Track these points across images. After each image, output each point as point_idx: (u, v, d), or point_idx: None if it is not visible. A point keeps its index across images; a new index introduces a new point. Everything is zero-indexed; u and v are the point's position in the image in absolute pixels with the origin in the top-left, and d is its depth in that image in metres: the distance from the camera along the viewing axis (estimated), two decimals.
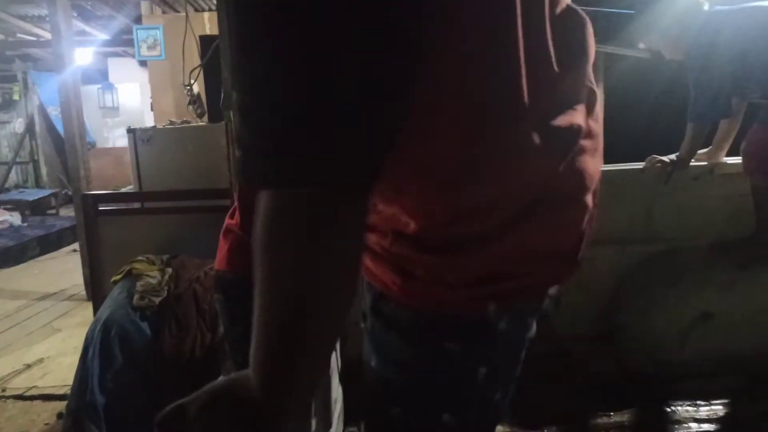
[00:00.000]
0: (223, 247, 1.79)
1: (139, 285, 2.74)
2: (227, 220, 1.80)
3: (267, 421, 0.62)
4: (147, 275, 2.80)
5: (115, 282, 2.88)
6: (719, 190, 2.36)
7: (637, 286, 2.29)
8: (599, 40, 4.22)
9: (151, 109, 6.84)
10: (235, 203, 1.82)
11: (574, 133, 0.74)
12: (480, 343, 0.81)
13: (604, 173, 2.53)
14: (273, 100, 0.54)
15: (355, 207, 0.58)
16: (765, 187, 2.17)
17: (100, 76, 10.08)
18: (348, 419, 1.86)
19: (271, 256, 0.62)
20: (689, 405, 2.08)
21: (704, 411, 2.03)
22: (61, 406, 2.86)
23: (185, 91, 3.84)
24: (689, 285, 2.20)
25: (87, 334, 2.66)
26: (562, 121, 0.72)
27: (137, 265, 2.88)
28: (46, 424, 2.91)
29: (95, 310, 3.26)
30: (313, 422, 1.22)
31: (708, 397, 2.07)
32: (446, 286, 0.76)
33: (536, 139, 0.68)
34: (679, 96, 2.45)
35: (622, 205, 2.36)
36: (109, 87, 9.96)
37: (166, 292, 2.74)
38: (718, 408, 2.05)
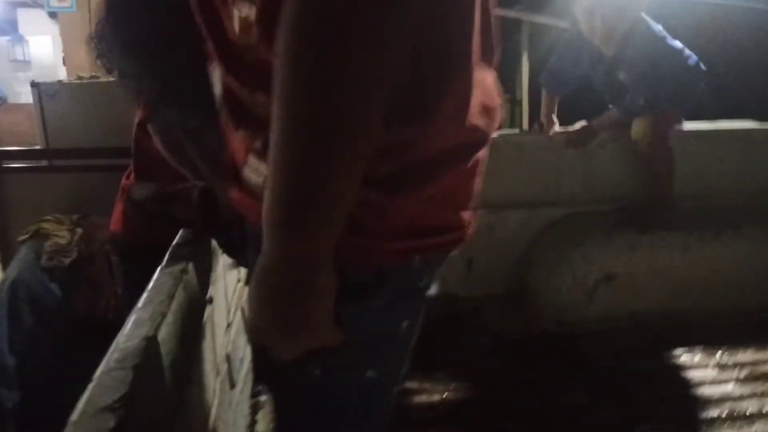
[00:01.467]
0: (118, 208, 1.76)
1: (47, 245, 2.70)
2: (123, 181, 1.77)
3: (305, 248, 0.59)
4: (55, 235, 2.75)
5: (22, 242, 2.82)
6: (624, 157, 2.48)
7: (545, 247, 2.40)
8: (524, 9, 4.32)
9: (64, 64, 6.54)
10: (130, 165, 1.77)
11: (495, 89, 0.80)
12: (404, 298, 0.82)
13: (513, 138, 2.66)
14: None
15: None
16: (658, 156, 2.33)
17: (9, 27, 9.48)
18: (255, 377, 1.90)
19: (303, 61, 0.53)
20: (593, 362, 2.19)
21: (607, 368, 2.15)
22: None
23: (92, 44, 3.71)
24: (594, 247, 2.32)
25: None
26: (491, 77, 0.78)
27: (45, 225, 2.82)
28: None
29: (3, 271, 3.19)
30: (217, 382, 1.28)
31: (611, 355, 2.20)
32: (376, 236, 0.73)
33: (475, 84, 0.71)
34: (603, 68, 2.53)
35: (532, 170, 2.45)
36: (20, 39, 9.40)
37: (76, 252, 2.71)
38: (619, 364, 2.17)
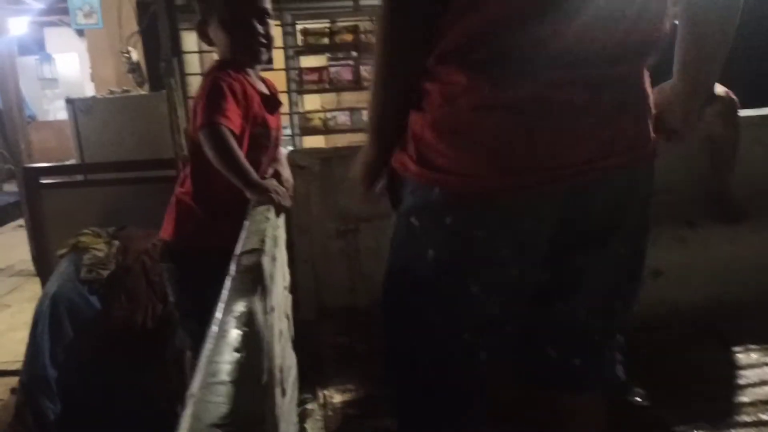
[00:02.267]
0: (171, 216, 1.76)
1: (86, 258, 2.72)
2: (177, 189, 1.76)
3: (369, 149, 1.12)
4: (93, 248, 2.78)
5: (62, 256, 2.85)
6: (668, 148, 2.42)
7: None
8: None
9: (92, 80, 6.64)
10: (184, 172, 1.78)
11: None
12: (428, 224, 1.00)
13: None
14: None
15: (413, 21, 0.93)
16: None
17: (37, 46, 9.68)
18: (303, 386, 1.89)
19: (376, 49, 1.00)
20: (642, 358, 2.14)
21: (657, 364, 2.10)
22: (13, 381, 2.85)
23: (123, 59, 3.76)
24: None
25: (36, 309, 2.65)
26: None
27: (83, 239, 2.85)
28: (0, 399, 2.89)
29: (42, 283, 3.22)
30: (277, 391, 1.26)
31: (661, 350, 2.14)
32: (410, 158, 1.00)
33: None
34: None
35: None
36: (47, 58, 9.60)
37: (114, 264, 2.73)
38: (669, 360, 2.11)
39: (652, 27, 0.97)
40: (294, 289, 2.10)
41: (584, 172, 0.94)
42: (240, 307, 0.91)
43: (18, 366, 2.81)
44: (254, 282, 1.01)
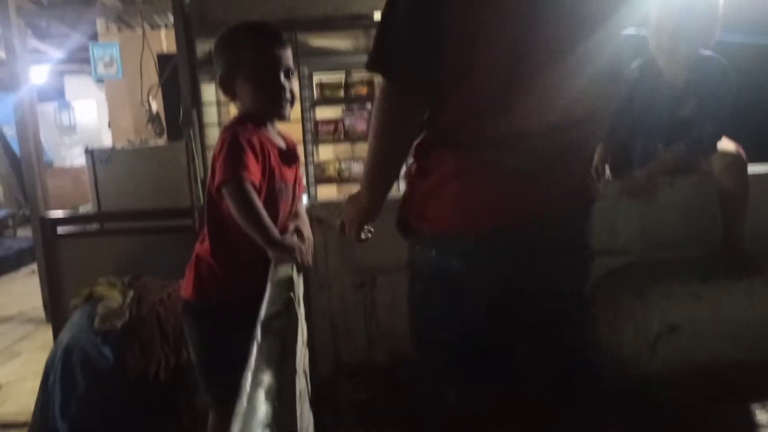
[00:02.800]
0: (191, 273, 1.73)
1: (100, 308, 2.71)
2: (197, 246, 1.75)
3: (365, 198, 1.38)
4: (108, 298, 2.76)
5: (76, 306, 2.84)
6: (681, 202, 2.40)
7: (603, 297, 2.31)
8: None
9: (109, 128, 6.76)
10: (204, 229, 1.75)
11: None
12: (417, 265, 1.41)
13: None
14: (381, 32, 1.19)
15: (409, 99, 1.19)
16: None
17: (56, 94, 9.90)
18: None
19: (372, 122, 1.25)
20: (660, 415, 2.09)
21: (674, 422, 2.05)
22: None
23: (143, 110, 3.83)
24: (655, 297, 2.23)
25: (48, 360, 2.62)
26: None
27: (98, 288, 2.84)
28: None
29: (55, 333, 3.20)
30: None
31: (678, 409, 2.09)
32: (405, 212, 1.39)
33: None
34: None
35: None
36: (66, 105, 9.80)
37: (128, 315, 2.71)
38: (687, 419, 2.06)
39: (595, 105, 1.25)
40: (311, 343, 2.07)
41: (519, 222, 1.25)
42: (268, 377, 0.89)
43: (27, 418, 2.77)
44: (281, 348, 1.00)
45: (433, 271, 1.32)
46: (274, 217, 1.65)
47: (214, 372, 1.70)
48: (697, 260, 2.34)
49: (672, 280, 2.27)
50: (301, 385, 1.62)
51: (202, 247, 1.71)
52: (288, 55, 1.66)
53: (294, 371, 1.08)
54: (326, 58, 3.97)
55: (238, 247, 1.63)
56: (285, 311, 1.16)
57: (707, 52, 2.31)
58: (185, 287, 1.75)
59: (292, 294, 1.26)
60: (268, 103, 1.66)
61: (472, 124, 1.21)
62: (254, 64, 1.63)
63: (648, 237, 2.39)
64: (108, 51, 6.00)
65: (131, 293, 2.83)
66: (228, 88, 1.68)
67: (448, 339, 1.33)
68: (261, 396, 0.81)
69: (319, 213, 2.25)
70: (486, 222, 1.24)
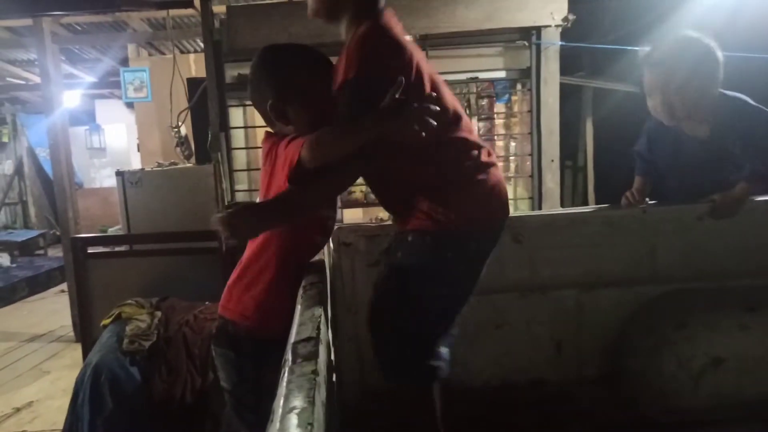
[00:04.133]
0: (253, 302, 1.65)
1: (128, 329, 2.73)
2: (249, 271, 1.68)
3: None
4: (136, 319, 2.78)
5: (105, 326, 2.86)
6: (722, 230, 2.33)
7: (644, 328, 2.23)
8: (586, 76, 4.34)
9: (138, 150, 6.88)
10: (251, 252, 1.69)
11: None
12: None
13: (603, 214, 2.52)
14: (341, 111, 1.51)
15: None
16: None
17: (87, 117, 10.12)
18: None
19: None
20: None
21: None
22: None
23: (173, 133, 3.89)
24: (698, 328, 2.15)
25: (77, 379, 2.64)
26: None
27: (126, 309, 2.87)
28: None
29: (84, 351, 3.24)
30: None
31: None
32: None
33: None
34: None
35: (623, 246, 2.32)
36: (96, 128, 10.01)
37: (155, 336, 2.72)
38: None
39: None
40: (337, 369, 2.06)
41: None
42: (299, 401, 0.88)
43: None
44: (312, 373, 0.99)
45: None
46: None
47: (248, 400, 1.66)
48: (743, 289, 2.26)
49: (716, 310, 2.19)
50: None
51: (264, 275, 1.64)
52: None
53: (325, 396, 1.06)
54: None
55: (301, 271, 1.63)
56: (316, 335, 1.15)
57: (721, 94, 2.25)
58: (231, 310, 1.69)
59: (321, 316, 1.26)
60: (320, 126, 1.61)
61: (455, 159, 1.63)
62: (311, 89, 1.60)
63: (690, 265, 2.33)
64: (138, 75, 6.14)
65: (158, 314, 2.85)
66: (281, 114, 1.62)
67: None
68: (293, 421, 0.81)
69: (346, 237, 2.24)
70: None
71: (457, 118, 1.62)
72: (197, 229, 3.30)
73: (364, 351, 2.23)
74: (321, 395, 0.97)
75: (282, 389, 0.94)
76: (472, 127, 1.72)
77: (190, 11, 4.86)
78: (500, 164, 4.56)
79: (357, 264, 2.24)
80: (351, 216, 4.43)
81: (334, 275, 2.18)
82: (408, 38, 1.61)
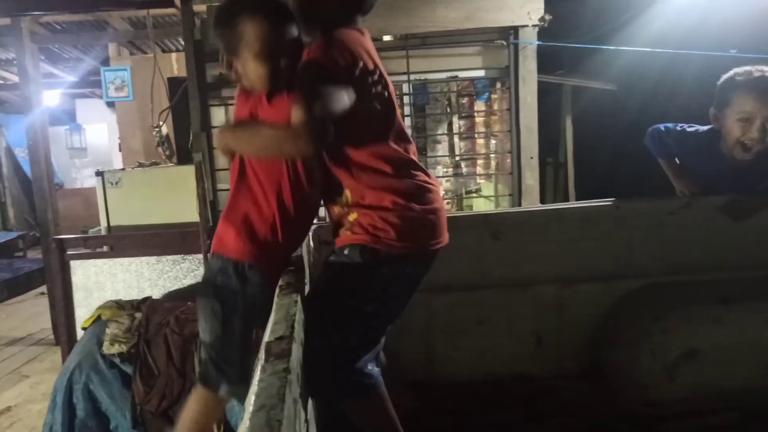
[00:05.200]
0: (243, 233, 1.62)
1: (108, 331, 2.70)
2: (245, 204, 1.65)
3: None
4: (116, 321, 2.76)
5: (84, 328, 2.84)
6: (697, 225, 2.37)
7: (621, 321, 2.27)
8: (565, 74, 4.38)
9: (120, 150, 6.82)
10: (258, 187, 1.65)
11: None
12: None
13: (579, 210, 2.54)
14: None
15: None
16: None
17: (67, 117, 10.02)
18: None
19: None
20: None
21: None
22: None
23: (154, 133, 3.86)
24: (673, 321, 2.18)
25: (56, 383, 2.62)
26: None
27: (107, 311, 2.84)
28: None
29: (64, 354, 3.21)
30: None
31: None
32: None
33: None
34: (644, 128, 2.51)
35: (600, 242, 2.35)
36: (77, 128, 9.92)
37: (136, 337, 2.71)
38: None
39: None
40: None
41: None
42: (269, 399, 0.89)
43: None
44: (284, 371, 0.99)
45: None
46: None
47: (236, 348, 1.63)
48: (717, 282, 2.30)
49: (691, 303, 2.22)
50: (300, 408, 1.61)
51: (260, 208, 1.62)
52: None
53: (298, 393, 1.07)
54: None
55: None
56: (290, 334, 1.15)
57: None
58: (226, 244, 1.64)
59: (296, 315, 1.26)
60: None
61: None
62: (259, 40, 1.53)
63: (665, 259, 2.36)
64: (119, 74, 6.07)
65: (139, 316, 2.83)
66: (230, 67, 1.58)
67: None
68: (262, 418, 0.81)
69: (326, 236, 2.24)
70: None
71: (404, 137, 1.67)
72: (179, 229, 3.29)
73: None
74: (293, 393, 0.97)
75: (253, 387, 0.95)
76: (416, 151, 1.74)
77: (171, 10, 4.82)
78: (481, 161, 4.61)
79: None
80: None
81: (314, 274, 2.18)
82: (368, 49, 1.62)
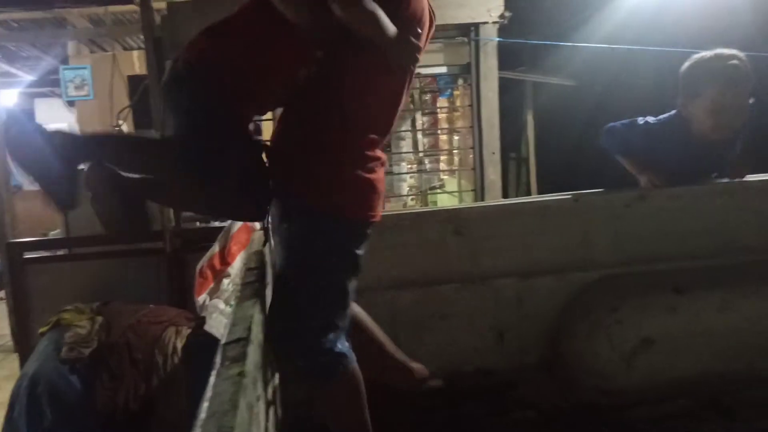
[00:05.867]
0: (354, 186, 1.63)
1: (67, 336, 2.64)
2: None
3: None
4: (76, 325, 2.70)
5: (43, 334, 2.78)
6: (651, 215, 2.42)
7: (579, 313, 2.31)
8: (527, 70, 4.43)
9: None
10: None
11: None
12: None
13: (539, 204, 2.59)
14: None
15: None
16: None
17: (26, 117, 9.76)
18: None
19: None
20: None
21: None
22: None
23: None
24: (629, 311, 2.23)
25: (13, 390, 2.56)
26: None
27: (66, 315, 2.78)
28: None
29: (22, 361, 3.14)
30: None
31: (660, 424, 2.08)
32: None
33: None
34: (602, 122, 2.55)
35: (558, 234, 2.39)
36: None
37: (96, 342, 2.65)
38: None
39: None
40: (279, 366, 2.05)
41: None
42: (221, 405, 0.88)
43: None
44: (238, 375, 0.99)
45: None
46: None
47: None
48: (671, 272, 2.35)
49: (646, 293, 2.28)
50: (270, 411, 1.60)
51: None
52: None
53: (255, 398, 1.06)
54: None
55: None
56: (246, 336, 1.15)
57: None
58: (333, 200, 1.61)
59: (254, 316, 1.25)
60: None
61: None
62: None
63: (621, 251, 2.41)
64: (79, 73, 5.95)
65: (99, 320, 2.77)
66: None
67: None
68: (213, 426, 0.81)
69: None
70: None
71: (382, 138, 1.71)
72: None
73: None
74: (247, 397, 0.96)
75: (207, 392, 0.94)
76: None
77: (131, 7, 4.74)
78: (444, 157, 4.64)
79: None
80: None
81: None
82: None
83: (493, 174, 3.49)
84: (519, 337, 2.37)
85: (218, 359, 1.07)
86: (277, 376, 1.82)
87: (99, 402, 2.54)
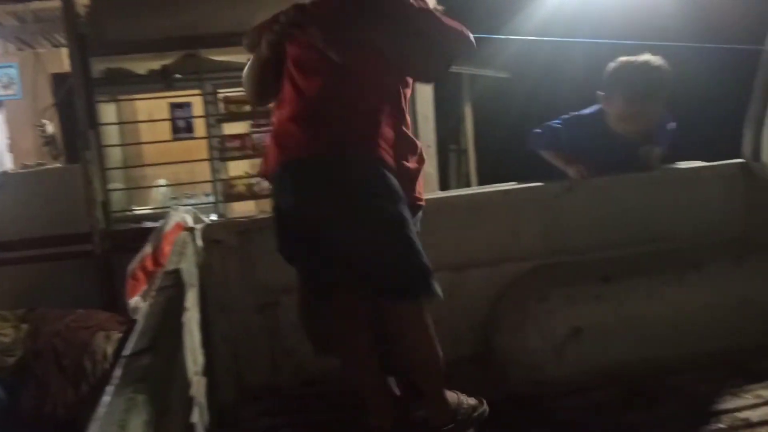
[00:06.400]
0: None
1: None
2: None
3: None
4: None
5: None
6: (581, 206, 2.46)
7: (510, 304, 2.33)
8: (462, 63, 4.47)
9: (10, 151, 6.42)
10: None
11: None
12: None
13: (470, 197, 2.57)
14: None
15: None
16: None
17: None
18: None
19: None
20: (572, 421, 2.10)
21: (586, 426, 2.05)
22: None
23: (39, 132, 3.65)
24: (557, 300, 2.25)
25: None
26: None
27: None
28: None
29: None
30: None
31: (590, 412, 2.10)
32: None
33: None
34: (535, 112, 2.59)
35: (489, 227, 2.40)
36: None
37: (21, 350, 2.57)
38: (598, 421, 2.08)
39: None
40: (211, 370, 2.01)
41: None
42: (111, 428, 0.84)
43: None
44: (132, 392, 0.94)
45: None
46: None
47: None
48: (598, 262, 2.40)
49: (574, 282, 2.31)
50: (194, 417, 1.57)
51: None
52: None
53: (154, 413, 1.02)
54: (231, 74, 3.89)
55: None
56: (151, 345, 1.10)
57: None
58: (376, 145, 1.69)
59: (163, 325, 1.22)
60: None
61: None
62: None
63: (550, 241, 2.44)
64: (6, 71, 5.72)
65: (25, 327, 2.68)
66: None
67: None
68: None
69: (216, 234, 2.19)
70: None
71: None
72: (68, 232, 3.13)
73: (240, 350, 2.20)
74: (142, 416, 0.92)
75: (101, 408, 0.90)
76: None
77: (56, 3, 4.56)
78: None
79: (229, 262, 2.20)
80: (238, 209, 4.32)
81: (204, 275, 2.12)
82: None
83: (429, 167, 3.50)
84: (453, 328, 2.36)
85: (118, 372, 1.02)
86: (202, 381, 1.78)
87: (25, 411, 2.47)
